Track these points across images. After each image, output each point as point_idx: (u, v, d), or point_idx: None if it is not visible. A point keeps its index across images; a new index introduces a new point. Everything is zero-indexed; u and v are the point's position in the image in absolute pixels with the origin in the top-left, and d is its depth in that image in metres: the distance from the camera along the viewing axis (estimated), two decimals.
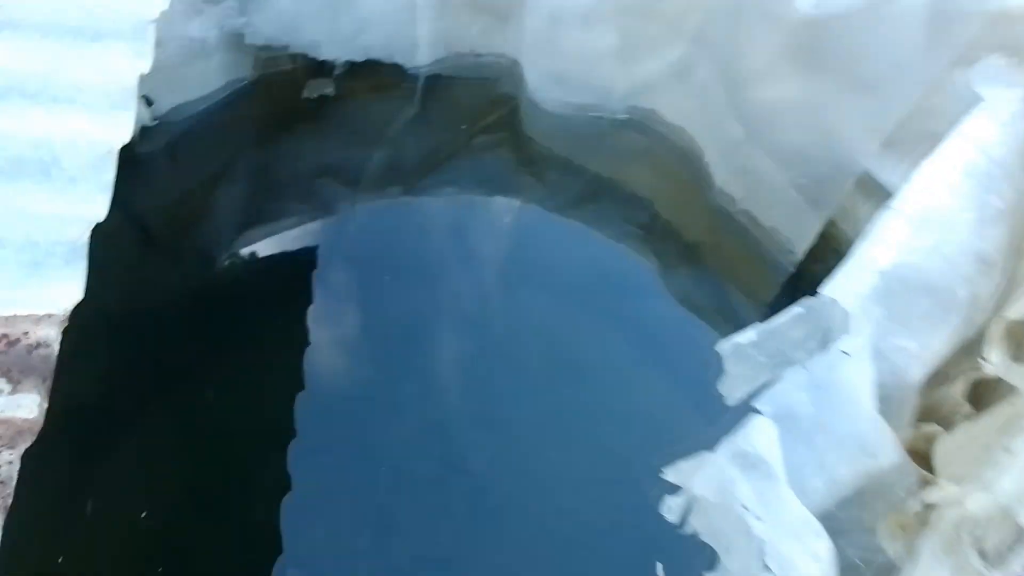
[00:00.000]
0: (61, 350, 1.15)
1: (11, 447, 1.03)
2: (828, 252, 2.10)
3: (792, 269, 2.18)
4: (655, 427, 2.40)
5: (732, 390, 1.15)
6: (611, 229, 2.91)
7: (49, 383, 1.13)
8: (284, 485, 2.06)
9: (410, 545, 2.08)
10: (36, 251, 1.24)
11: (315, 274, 2.60)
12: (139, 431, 2.15)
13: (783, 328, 1.09)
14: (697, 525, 1.05)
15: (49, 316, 1.17)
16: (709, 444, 1.22)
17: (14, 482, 1.00)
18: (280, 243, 2.72)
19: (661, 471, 1.18)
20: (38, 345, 1.13)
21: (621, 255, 2.87)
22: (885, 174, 1.82)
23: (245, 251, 2.64)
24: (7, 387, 1.10)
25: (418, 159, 2.96)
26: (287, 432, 2.16)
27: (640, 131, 2.74)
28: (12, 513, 1.01)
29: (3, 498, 0.99)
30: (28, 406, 1.09)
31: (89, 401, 2.03)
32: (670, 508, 1.11)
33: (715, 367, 2.54)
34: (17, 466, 1.02)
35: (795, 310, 1.11)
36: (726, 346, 1.19)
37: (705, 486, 1.01)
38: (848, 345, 0.98)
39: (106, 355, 2.16)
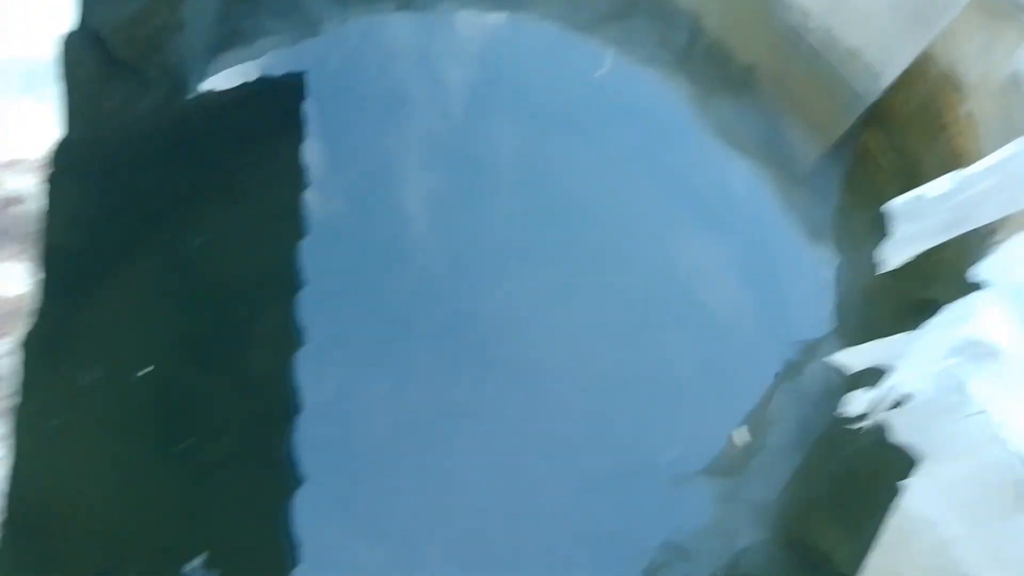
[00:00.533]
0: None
1: (5, 334, 0.79)
2: (919, 82, 1.81)
3: (872, 99, 1.90)
4: (679, 277, 2.25)
5: (896, 253, 0.94)
6: (642, 51, 2.59)
7: (37, 248, 0.87)
8: (285, 334, 1.92)
9: (423, 395, 1.98)
10: None
11: (300, 103, 2.29)
12: (126, 283, 1.93)
13: (981, 176, 0.86)
14: (899, 425, 0.87)
15: (19, 161, 0.89)
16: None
17: (15, 377, 0.78)
18: (259, 68, 2.38)
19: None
20: (11, 201, 0.86)
21: (651, 81, 2.57)
22: None
23: (219, 77, 2.30)
24: None
25: None
26: (282, 278, 1.99)
27: None
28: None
29: (3, 399, 0.77)
30: (14, 280, 0.84)
31: (65, 243, 1.79)
32: (861, 400, 0.93)
33: (753, 209, 2.36)
34: (17, 357, 0.79)
35: (997, 154, 0.87)
36: (899, 203, 0.96)
37: (917, 380, 0.82)
38: None
39: (78, 199, 1.88)
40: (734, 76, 2.33)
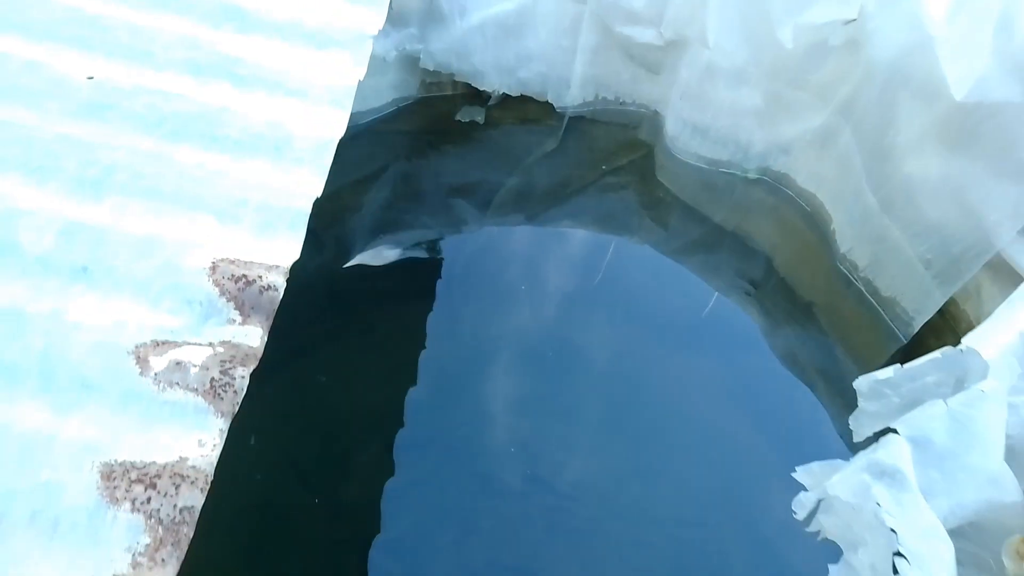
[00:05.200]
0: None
1: (244, 365, 1.24)
2: (945, 329, 2.15)
3: (905, 340, 2.23)
4: (739, 476, 2.45)
5: (862, 427, 1.24)
6: (722, 280, 3.02)
7: (270, 321, 1.34)
8: (377, 471, 2.22)
9: (489, 550, 2.20)
10: (269, 214, 1.47)
11: (430, 284, 2.80)
12: (263, 397, 2.34)
13: (920, 371, 1.18)
14: (825, 523, 1.14)
15: (277, 266, 1.39)
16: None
17: (243, 393, 1.21)
18: (405, 250, 2.94)
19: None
20: (268, 288, 1.35)
21: (729, 307, 2.97)
22: (1020, 258, 1.88)
23: (372, 252, 2.88)
24: (239, 318, 1.32)
25: (547, 190, 3.16)
26: (384, 421, 2.33)
27: (769, 191, 2.85)
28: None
29: (234, 405, 1.20)
30: (253, 337, 1.30)
31: None
32: (800, 503, 1.21)
33: (807, 426, 2.59)
34: (247, 382, 1.22)
35: (934, 355, 1.20)
36: (863, 382, 1.28)
37: (839, 487, 1.11)
38: (987, 386, 1.06)
39: None
40: (797, 310, 2.70)
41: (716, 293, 2.97)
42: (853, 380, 2.50)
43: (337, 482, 2.25)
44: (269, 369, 2.42)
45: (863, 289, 2.47)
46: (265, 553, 2.04)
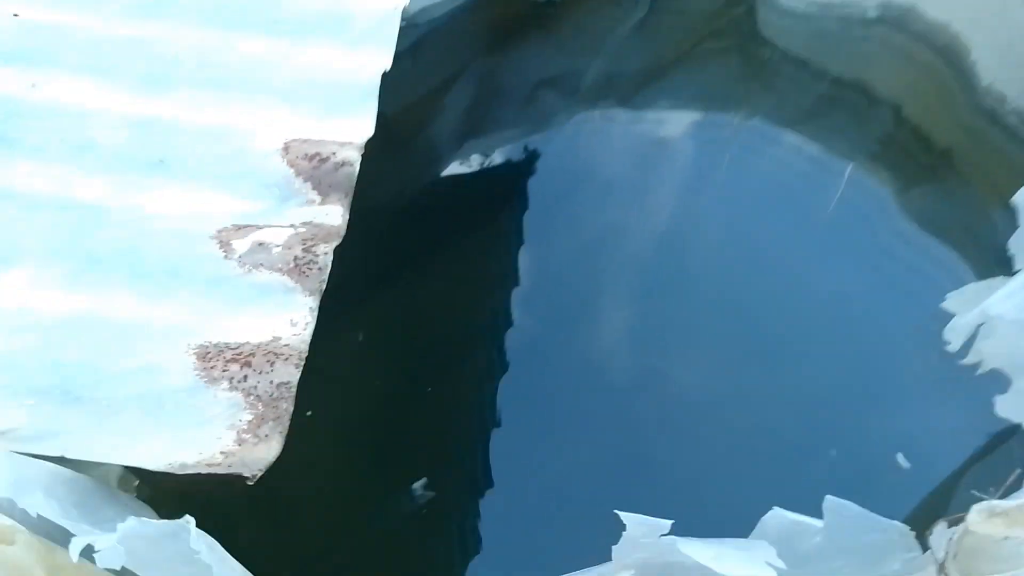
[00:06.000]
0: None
1: (326, 242, 1.19)
2: None
3: None
4: (874, 352, 2.26)
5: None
6: (844, 144, 2.73)
7: (350, 199, 1.28)
8: (489, 376, 2.19)
9: (604, 446, 2.14)
10: (337, 91, 1.39)
11: (524, 185, 2.69)
12: (367, 316, 2.35)
13: None
14: (986, 349, 0.98)
15: (350, 143, 1.32)
16: None
17: (328, 270, 1.16)
18: (499, 151, 2.83)
19: None
20: (343, 164, 1.28)
21: (853, 173, 2.69)
22: None
23: (468, 155, 2.79)
24: (317, 198, 1.26)
25: (639, 68, 2.93)
26: (491, 329, 2.29)
27: (893, 29, 2.50)
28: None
29: (320, 282, 1.15)
30: (334, 215, 1.25)
31: (333, 271, 2.27)
32: (954, 331, 1.05)
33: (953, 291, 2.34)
34: (331, 258, 1.18)
35: None
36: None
37: (1002, 305, 0.94)
38: None
39: (347, 237, 2.40)
40: (934, 162, 2.40)
41: (837, 159, 2.70)
42: (1004, 231, 2.23)
43: (450, 384, 2.25)
44: (376, 282, 2.46)
45: (1013, 123, 2.14)
46: (389, 454, 2.07)
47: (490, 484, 2.07)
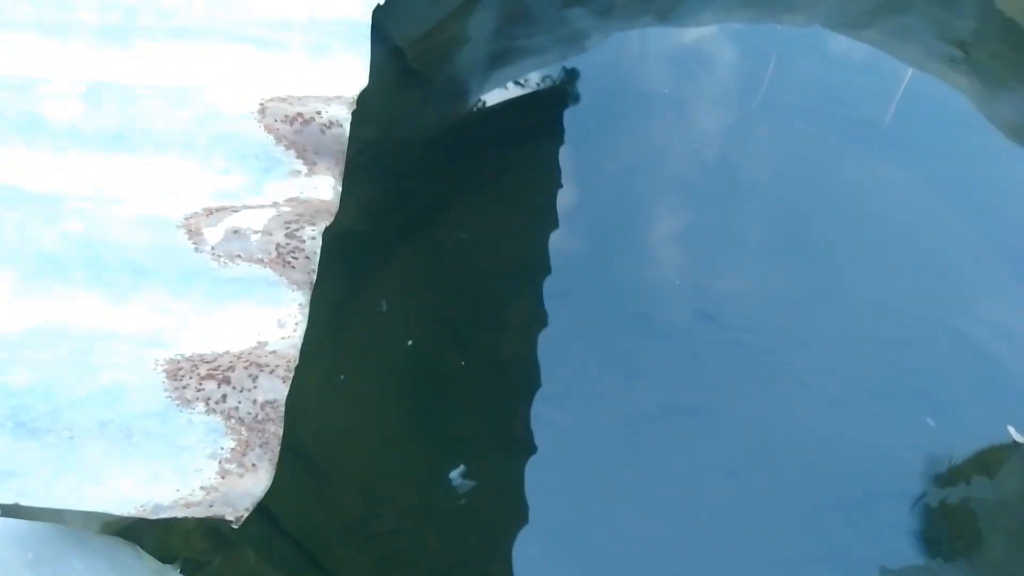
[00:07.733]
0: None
1: (312, 223, 0.99)
2: None
3: None
4: (952, 283, 2.01)
5: None
6: (918, 48, 2.39)
7: (342, 166, 1.08)
8: (531, 323, 2.01)
9: (658, 394, 1.97)
10: (320, 31, 1.17)
11: (560, 113, 2.44)
12: (400, 266, 2.19)
13: None
14: None
15: (338, 97, 1.10)
16: None
17: (318, 257, 0.97)
18: (529, 80, 2.58)
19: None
20: (331, 124, 1.08)
21: (929, 81, 2.37)
22: None
23: (496, 86, 2.54)
24: (303, 168, 1.07)
25: None
26: (531, 270, 2.10)
27: None
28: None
29: (310, 272, 0.97)
30: (324, 188, 1.05)
31: (354, 228, 2.08)
32: None
33: None
34: (320, 242, 0.98)
35: None
36: None
37: None
38: None
39: (367, 185, 2.20)
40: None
41: (911, 69, 2.38)
42: None
43: (492, 338, 2.09)
44: (404, 230, 2.28)
45: None
46: (434, 416, 1.94)
47: (533, 450, 1.92)
